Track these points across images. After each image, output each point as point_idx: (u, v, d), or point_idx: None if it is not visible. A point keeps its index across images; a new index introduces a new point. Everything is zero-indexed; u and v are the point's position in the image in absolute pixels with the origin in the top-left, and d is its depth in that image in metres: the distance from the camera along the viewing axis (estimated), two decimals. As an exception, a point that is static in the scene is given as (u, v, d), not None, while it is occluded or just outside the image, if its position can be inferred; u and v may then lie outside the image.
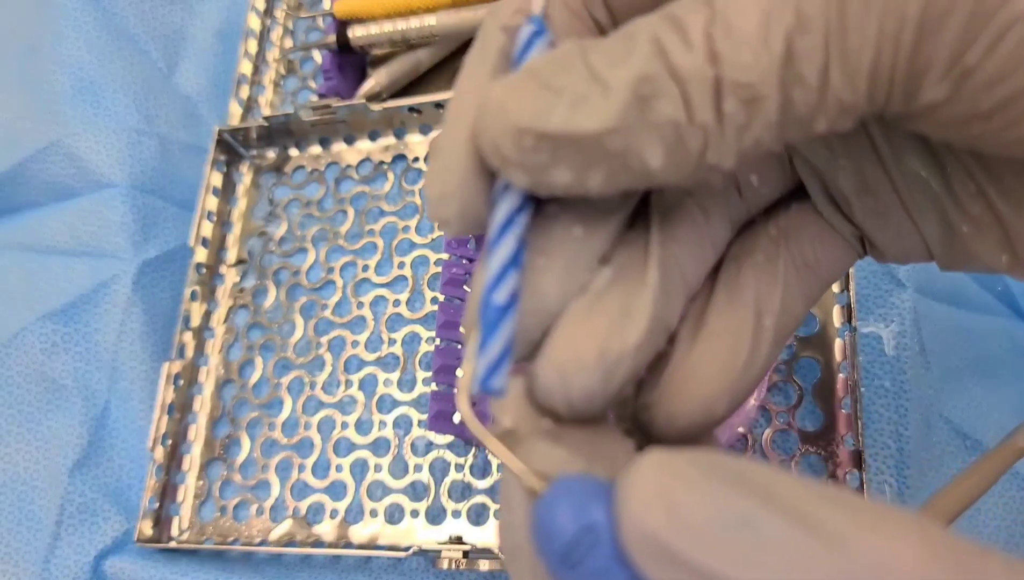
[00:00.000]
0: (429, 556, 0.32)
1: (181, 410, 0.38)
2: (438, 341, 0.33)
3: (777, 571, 0.10)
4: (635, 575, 0.11)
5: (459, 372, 0.13)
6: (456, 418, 0.32)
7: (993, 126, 0.12)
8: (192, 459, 0.37)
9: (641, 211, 0.15)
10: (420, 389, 0.36)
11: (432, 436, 0.35)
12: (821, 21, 0.11)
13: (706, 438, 0.16)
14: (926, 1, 0.11)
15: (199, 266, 0.39)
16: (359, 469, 0.35)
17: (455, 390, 0.13)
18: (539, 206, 0.14)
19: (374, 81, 0.40)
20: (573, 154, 0.12)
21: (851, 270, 0.31)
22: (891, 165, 0.15)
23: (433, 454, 0.34)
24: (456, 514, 0.33)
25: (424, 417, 0.35)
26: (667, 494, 0.10)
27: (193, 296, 0.39)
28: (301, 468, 0.36)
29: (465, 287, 0.34)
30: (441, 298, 0.34)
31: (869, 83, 0.11)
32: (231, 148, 0.42)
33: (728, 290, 0.15)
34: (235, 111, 0.43)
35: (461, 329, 0.14)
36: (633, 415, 0.15)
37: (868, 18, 0.11)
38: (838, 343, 0.32)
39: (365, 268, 0.39)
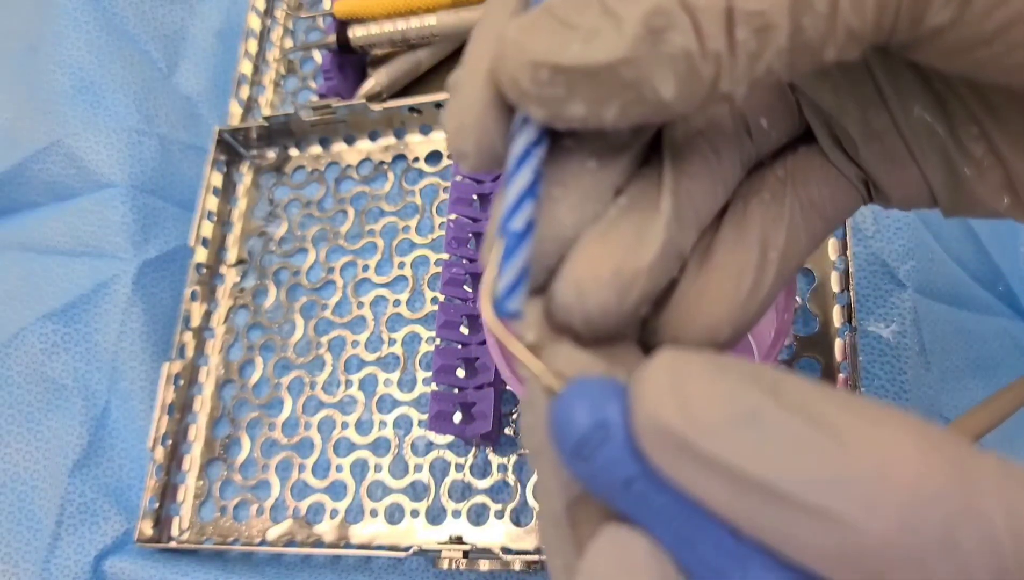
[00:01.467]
0: (429, 556, 0.32)
1: (181, 410, 0.38)
2: (438, 341, 0.33)
3: (781, 462, 0.10)
4: (645, 468, 0.11)
5: (482, 283, 0.14)
6: (456, 418, 0.32)
7: (995, 51, 0.12)
8: (192, 459, 0.37)
9: (654, 151, 0.16)
10: (420, 389, 0.36)
11: (432, 436, 0.35)
12: None
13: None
14: None
15: (199, 266, 0.39)
16: (359, 469, 0.35)
17: (479, 299, 0.14)
18: (555, 140, 0.14)
19: (374, 81, 0.40)
20: (588, 86, 0.12)
21: (851, 270, 0.31)
22: (896, 110, 0.16)
23: (433, 454, 0.34)
24: (456, 514, 0.33)
25: (424, 417, 0.35)
26: (679, 388, 0.11)
27: (193, 296, 0.39)
28: (301, 468, 0.36)
29: (465, 287, 0.34)
30: (441, 298, 0.34)
31: (877, 9, 0.12)
32: (231, 148, 0.42)
33: (735, 225, 0.16)
34: (235, 111, 0.43)
35: (480, 255, 0.15)
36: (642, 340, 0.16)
37: None
38: (838, 343, 0.31)
39: (365, 268, 0.39)
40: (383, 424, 0.35)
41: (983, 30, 0.12)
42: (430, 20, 0.39)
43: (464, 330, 0.33)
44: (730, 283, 0.15)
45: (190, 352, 0.38)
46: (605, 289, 0.13)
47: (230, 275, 0.41)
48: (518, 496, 0.33)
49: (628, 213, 0.14)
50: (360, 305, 0.38)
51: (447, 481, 0.34)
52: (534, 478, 0.31)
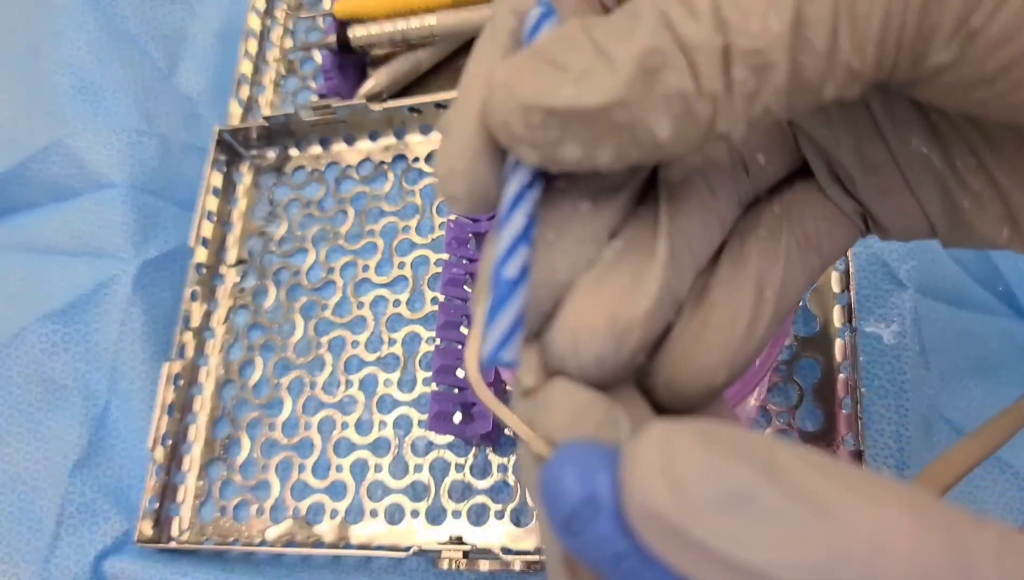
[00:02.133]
0: (429, 556, 0.32)
1: (181, 410, 0.38)
2: (438, 341, 0.33)
3: (774, 547, 0.10)
4: (636, 545, 0.11)
5: (469, 337, 0.14)
6: (456, 418, 0.32)
7: (997, 90, 0.12)
8: (192, 459, 0.37)
9: (650, 189, 0.15)
10: (420, 389, 0.36)
11: (432, 436, 0.35)
12: None
13: (713, 404, 0.16)
14: None
15: (199, 266, 0.39)
16: (359, 469, 0.35)
17: (464, 354, 0.13)
18: (548, 182, 0.14)
19: (374, 81, 0.40)
20: (582, 129, 0.12)
21: (852, 270, 0.31)
22: (893, 142, 0.16)
23: (433, 454, 0.34)
24: (456, 514, 0.33)
25: (424, 417, 0.35)
26: (669, 468, 0.11)
27: (193, 296, 0.39)
28: (301, 468, 0.36)
29: (465, 287, 0.34)
30: (441, 298, 0.34)
31: (877, 48, 0.12)
32: (231, 148, 0.42)
33: (731, 263, 0.16)
34: (235, 111, 0.43)
35: (470, 302, 0.14)
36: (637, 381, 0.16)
37: None
38: (839, 343, 0.31)
39: (365, 268, 0.39)
40: (383, 424, 0.35)
41: (985, 69, 0.12)
42: (430, 20, 0.38)
43: (464, 330, 0.33)
44: (726, 326, 0.15)
45: (190, 352, 0.38)
46: (601, 339, 0.13)
47: (230, 275, 0.41)
48: (518, 496, 0.33)
49: (623, 257, 0.14)
50: (360, 305, 0.38)
51: (447, 481, 0.34)
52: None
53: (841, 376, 0.31)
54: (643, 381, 0.15)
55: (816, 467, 0.10)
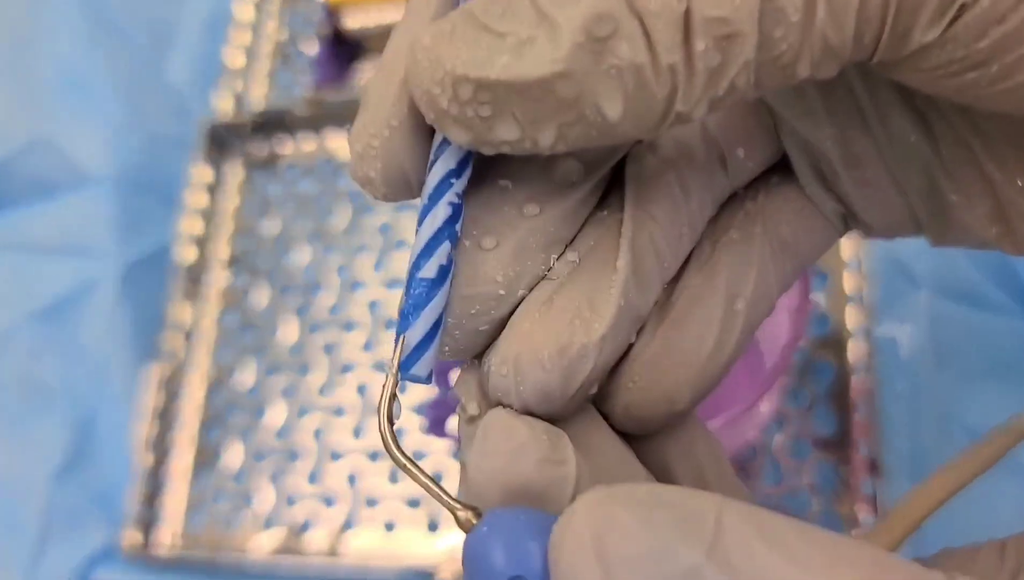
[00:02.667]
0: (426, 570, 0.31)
1: (170, 414, 0.37)
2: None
3: None
4: None
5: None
6: (451, 424, 0.31)
7: (988, 73, 0.11)
8: (181, 466, 0.36)
9: (613, 188, 0.14)
10: (418, 393, 0.35)
11: (429, 442, 0.34)
12: None
13: (680, 424, 0.15)
14: None
15: (188, 265, 0.39)
16: (354, 476, 0.34)
17: (380, 405, 0.12)
18: (488, 178, 0.13)
19: (368, 72, 0.39)
20: (519, 105, 0.11)
21: (865, 270, 0.31)
22: (878, 132, 0.14)
23: (431, 461, 0.33)
24: (454, 523, 0.32)
25: (422, 422, 0.34)
26: (603, 549, 0.09)
27: (182, 296, 0.38)
28: (294, 475, 0.35)
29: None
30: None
31: (858, 20, 0.10)
32: (222, 142, 0.41)
33: (699, 271, 0.14)
34: (226, 104, 0.42)
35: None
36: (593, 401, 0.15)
37: None
38: (852, 345, 0.31)
39: (360, 267, 0.38)
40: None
41: (976, 49, 0.10)
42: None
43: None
44: (691, 343, 0.14)
45: (179, 354, 0.38)
46: (547, 371, 0.12)
47: (220, 274, 0.40)
48: (519, 504, 0.32)
49: (579, 271, 0.13)
50: (355, 305, 0.37)
51: (446, 488, 0.33)
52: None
53: (855, 379, 0.31)
54: (599, 404, 0.14)
55: (768, 539, 0.09)
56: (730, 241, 0.15)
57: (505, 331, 0.12)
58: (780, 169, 0.16)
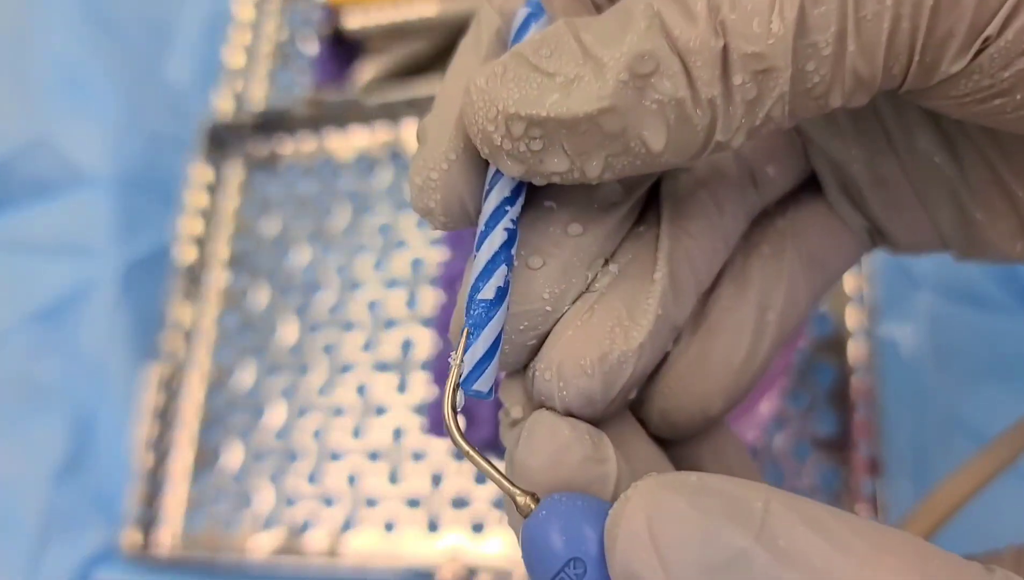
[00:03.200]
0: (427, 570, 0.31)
1: (169, 415, 0.37)
2: (440, 343, 0.32)
3: None
4: None
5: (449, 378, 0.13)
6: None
7: (1013, 100, 0.11)
8: (180, 466, 0.36)
9: (650, 205, 0.15)
10: (417, 393, 0.35)
11: (430, 442, 0.34)
12: None
13: (713, 430, 0.16)
14: None
15: (187, 265, 0.39)
16: (354, 477, 0.34)
17: (445, 396, 0.13)
18: (535, 201, 0.14)
19: (369, 72, 0.39)
20: (568, 139, 0.12)
21: (867, 272, 0.31)
22: (904, 154, 0.15)
23: (431, 461, 0.33)
24: (455, 523, 0.32)
25: (423, 422, 0.34)
26: (656, 533, 0.10)
27: (181, 296, 0.38)
28: (294, 475, 0.35)
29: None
30: (440, 298, 0.33)
31: (887, 54, 0.11)
32: (221, 142, 0.41)
33: (732, 282, 0.15)
34: (226, 104, 0.42)
35: (450, 331, 0.14)
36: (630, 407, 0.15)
37: None
38: (854, 346, 0.31)
39: (361, 266, 0.38)
40: (379, 430, 0.34)
41: (1002, 80, 0.11)
42: (428, 8, 0.38)
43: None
44: (725, 353, 0.15)
45: (178, 354, 0.38)
46: (588, 377, 0.13)
47: (220, 274, 0.40)
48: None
49: (618, 286, 0.13)
50: (355, 305, 0.37)
51: (446, 489, 0.33)
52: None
53: (856, 379, 0.30)
54: (636, 409, 0.15)
55: (813, 525, 0.10)
56: (761, 256, 0.15)
57: (549, 339, 0.13)
58: (809, 186, 0.16)
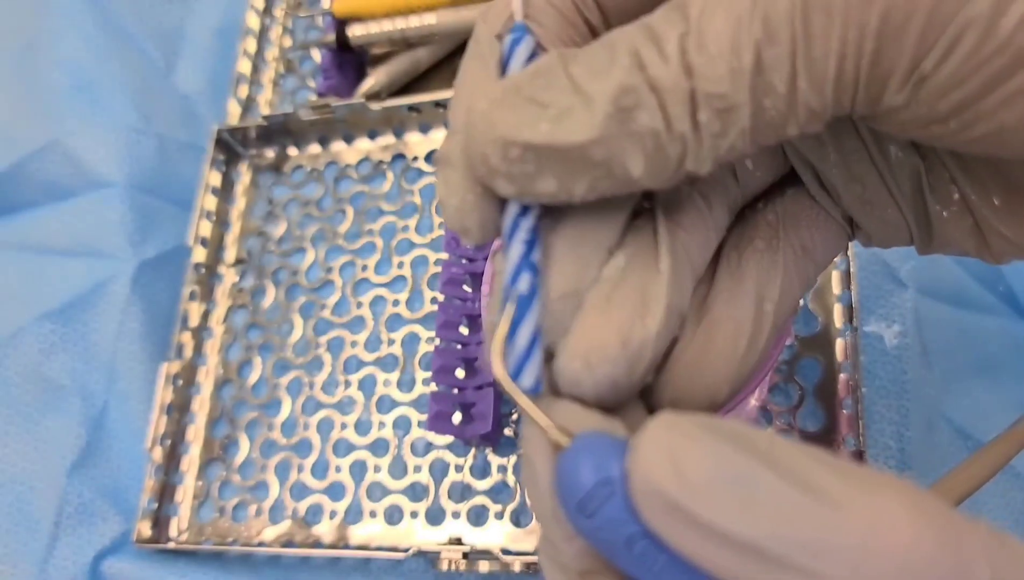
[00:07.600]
0: (428, 557, 0.31)
1: (180, 410, 0.37)
2: (438, 341, 0.33)
3: (774, 525, 0.10)
4: (646, 528, 0.11)
5: (495, 336, 0.14)
6: (456, 418, 0.32)
7: (950, 128, 0.12)
8: (191, 460, 0.37)
9: (644, 200, 0.15)
10: (419, 389, 0.35)
11: (431, 437, 0.34)
12: (787, 33, 0.12)
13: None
14: (885, 11, 0.11)
15: (198, 266, 0.39)
16: (358, 470, 0.35)
17: (489, 352, 0.14)
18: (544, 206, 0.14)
19: (373, 80, 0.40)
20: (558, 164, 0.12)
21: (853, 270, 0.31)
22: (876, 155, 0.16)
23: (432, 455, 0.34)
24: (456, 515, 0.33)
25: (423, 417, 0.35)
26: (673, 452, 0.11)
27: (192, 296, 0.39)
28: (300, 469, 0.36)
29: (465, 287, 0.33)
30: (441, 298, 0.34)
31: (835, 89, 0.12)
32: (230, 147, 0.42)
33: (730, 277, 0.16)
34: (234, 110, 0.43)
35: (486, 309, 0.15)
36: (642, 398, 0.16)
37: (831, 28, 0.12)
38: (840, 343, 0.31)
39: (364, 268, 0.38)
40: (382, 425, 0.35)
41: (938, 110, 0.12)
42: (430, 18, 0.38)
43: (464, 330, 0.33)
44: (728, 342, 0.15)
45: (188, 352, 0.38)
46: (614, 362, 0.13)
47: (229, 275, 0.40)
48: (518, 497, 0.33)
49: (628, 273, 0.14)
50: (359, 305, 0.38)
51: (446, 482, 0.34)
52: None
53: (842, 376, 0.31)
54: (647, 399, 0.15)
55: (815, 458, 0.11)
56: (756, 250, 0.16)
57: (572, 331, 0.14)
58: (794, 181, 0.17)
